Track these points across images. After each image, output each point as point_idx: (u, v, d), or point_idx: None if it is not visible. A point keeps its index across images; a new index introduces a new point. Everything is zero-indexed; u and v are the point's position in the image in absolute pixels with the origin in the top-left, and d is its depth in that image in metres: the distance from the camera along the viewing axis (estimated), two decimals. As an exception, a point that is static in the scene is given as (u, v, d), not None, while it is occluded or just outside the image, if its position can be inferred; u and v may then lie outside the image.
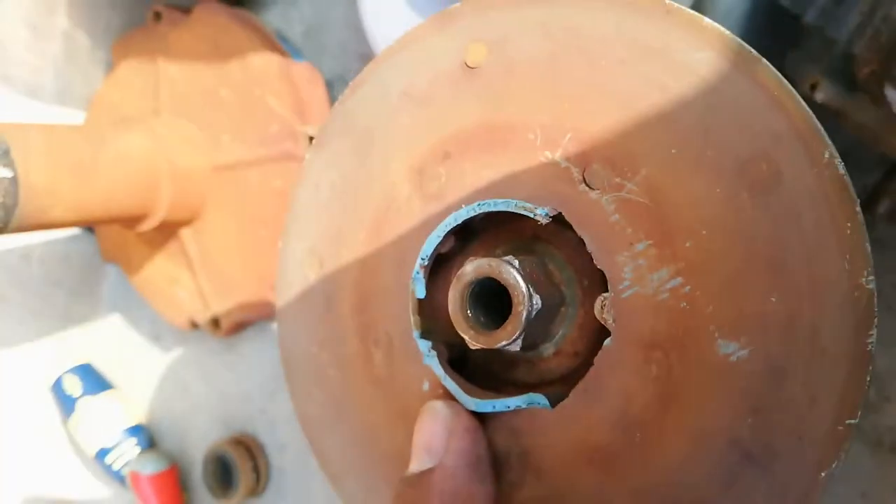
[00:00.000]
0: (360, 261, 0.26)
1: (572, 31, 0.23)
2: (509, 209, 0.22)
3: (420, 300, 0.24)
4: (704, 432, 0.20)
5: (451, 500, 0.22)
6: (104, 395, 0.63)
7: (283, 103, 0.48)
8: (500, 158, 0.24)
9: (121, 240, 0.58)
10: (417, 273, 0.24)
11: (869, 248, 0.19)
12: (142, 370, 0.63)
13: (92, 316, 0.65)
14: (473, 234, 0.25)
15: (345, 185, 0.27)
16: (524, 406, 0.22)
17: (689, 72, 0.21)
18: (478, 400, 0.23)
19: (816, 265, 0.19)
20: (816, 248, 0.19)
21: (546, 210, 0.22)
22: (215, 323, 0.54)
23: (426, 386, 0.24)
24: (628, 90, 0.22)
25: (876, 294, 0.18)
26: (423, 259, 0.23)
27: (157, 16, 0.53)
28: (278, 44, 0.51)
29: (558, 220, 0.22)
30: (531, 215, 0.22)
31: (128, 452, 0.60)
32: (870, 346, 0.18)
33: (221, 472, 0.56)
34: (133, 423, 0.62)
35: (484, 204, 0.23)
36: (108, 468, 0.61)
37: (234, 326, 0.53)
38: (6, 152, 0.38)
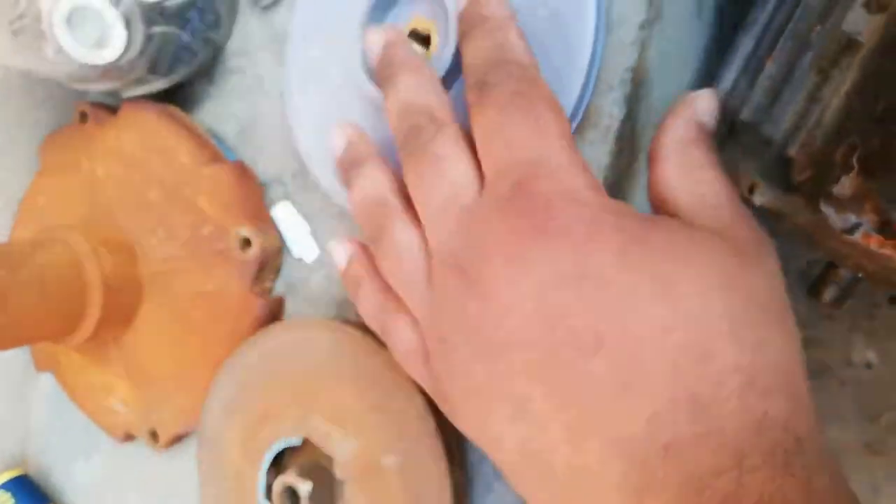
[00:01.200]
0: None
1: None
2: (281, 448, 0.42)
3: None
4: None
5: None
6: (38, 511, 0.59)
7: (215, 203, 0.47)
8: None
9: (54, 349, 0.55)
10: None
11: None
12: (79, 482, 0.60)
13: (25, 426, 0.62)
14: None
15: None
16: None
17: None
18: None
19: None
20: None
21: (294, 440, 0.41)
22: (153, 435, 0.51)
23: None
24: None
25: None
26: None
27: (84, 116, 0.51)
28: (209, 141, 0.49)
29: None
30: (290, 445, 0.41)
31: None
32: None
33: None
34: (69, 542, 0.58)
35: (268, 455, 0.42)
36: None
37: (172, 438, 0.50)
38: None
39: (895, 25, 0.34)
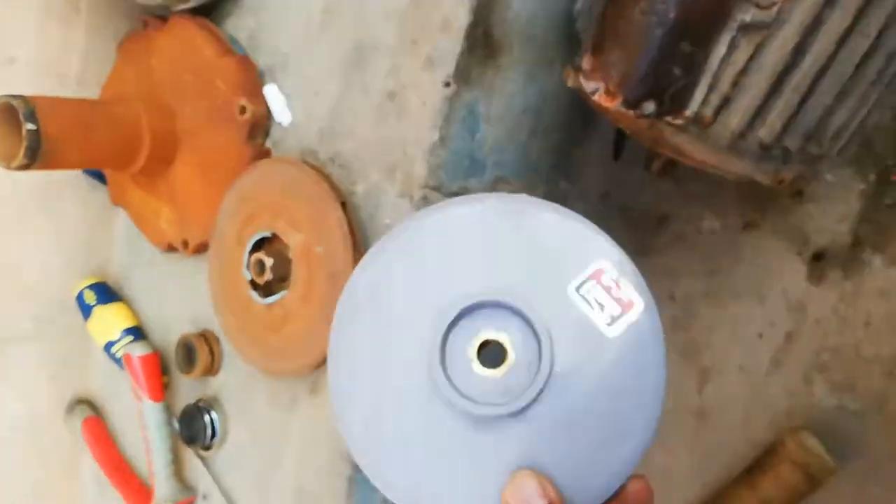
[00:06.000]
0: None
1: None
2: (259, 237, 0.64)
3: None
4: None
5: None
6: (112, 305, 0.85)
7: (226, 83, 0.69)
8: None
9: (123, 186, 0.80)
10: None
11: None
12: (140, 285, 0.85)
13: (106, 246, 0.88)
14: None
15: None
16: None
17: None
18: None
19: None
20: None
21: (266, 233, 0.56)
22: (185, 244, 0.75)
23: None
24: None
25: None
26: None
27: (146, 24, 0.74)
28: (227, 42, 0.72)
29: None
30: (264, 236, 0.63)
31: (126, 345, 0.82)
32: None
33: (187, 355, 0.77)
34: (131, 325, 0.84)
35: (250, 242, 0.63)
36: (112, 356, 0.83)
37: (198, 247, 0.74)
38: (32, 112, 0.60)
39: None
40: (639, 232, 0.82)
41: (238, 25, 0.74)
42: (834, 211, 0.70)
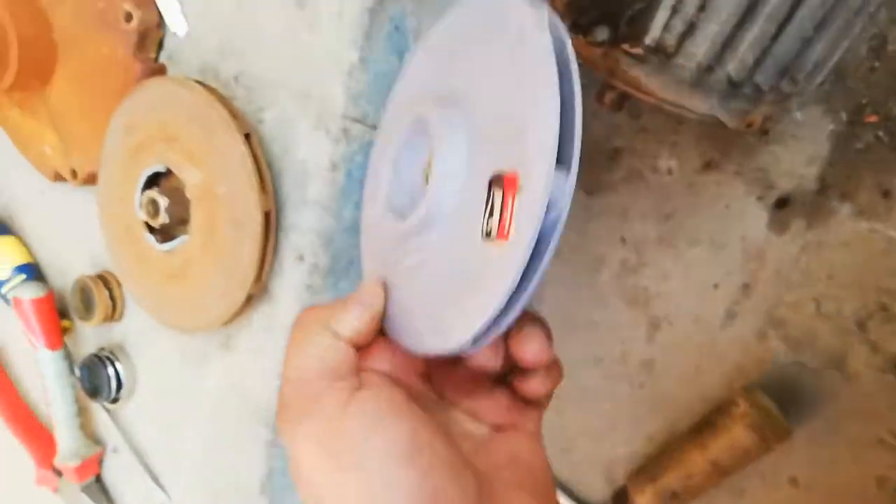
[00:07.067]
0: None
1: None
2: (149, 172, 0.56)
3: None
4: None
5: None
6: (1, 239, 0.75)
7: (110, -14, 0.58)
8: None
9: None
10: None
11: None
12: (32, 219, 0.75)
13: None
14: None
15: None
16: None
17: None
18: None
19: None
20: None
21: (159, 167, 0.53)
22: (73, 173, 0.65)
23: None
24: None
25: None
26: None
27: None
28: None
29: None
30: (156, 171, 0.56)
31: (17, 284, 0.73)
32: None
33: (84, 300, 0.69)
34: (24, 262, 0.75)
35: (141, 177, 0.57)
36: (2, 297, 0.74)
37: (88, 177, 0.65)
38: None
39: None
40: (589, 167, 0.74)
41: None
42: (801, 153, 0.63)
